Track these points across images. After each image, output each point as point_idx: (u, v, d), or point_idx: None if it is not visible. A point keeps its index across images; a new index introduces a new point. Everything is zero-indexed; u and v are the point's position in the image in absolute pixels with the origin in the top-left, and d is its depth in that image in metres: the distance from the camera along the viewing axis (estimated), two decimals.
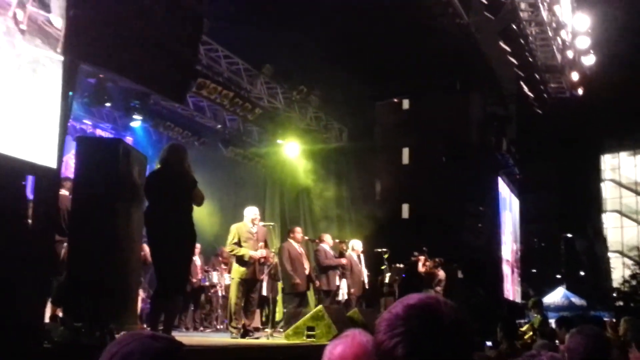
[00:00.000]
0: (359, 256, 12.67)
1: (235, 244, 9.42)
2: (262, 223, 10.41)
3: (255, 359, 7.19)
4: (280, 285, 11.35)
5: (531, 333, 10.83)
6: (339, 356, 2.17)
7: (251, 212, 9.86)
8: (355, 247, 12.68)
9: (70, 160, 9.94)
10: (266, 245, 9.82)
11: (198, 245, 11.98)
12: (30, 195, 5.67)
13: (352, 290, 12.26)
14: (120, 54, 6.44)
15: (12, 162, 4.85)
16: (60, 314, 7.53)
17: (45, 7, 5.33)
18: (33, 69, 5.17)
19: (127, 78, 7.87)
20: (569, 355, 3.54)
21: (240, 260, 9.41)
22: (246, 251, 9.35)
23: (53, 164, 5.38)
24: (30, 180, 5.58)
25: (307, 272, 11.33)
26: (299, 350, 7.96)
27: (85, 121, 13.50)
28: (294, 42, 13.14)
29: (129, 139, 13.09)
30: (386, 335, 1.48)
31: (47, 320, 6.82)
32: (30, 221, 5.37)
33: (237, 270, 9.44)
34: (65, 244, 7.45)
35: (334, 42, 13.92)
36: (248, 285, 9.52)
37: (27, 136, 5.14)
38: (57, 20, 5.43)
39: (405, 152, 17.60)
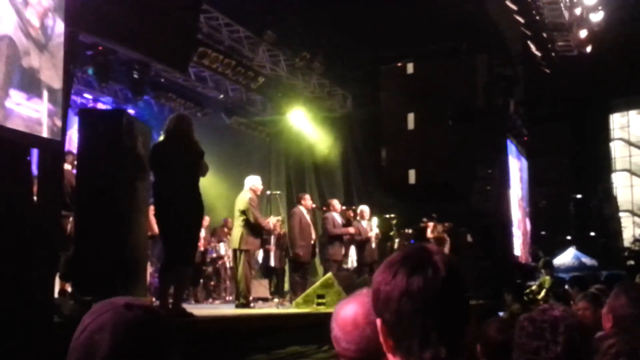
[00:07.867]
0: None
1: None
2: (268, 192, 10.33)
3: (268, 327, 7.21)
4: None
5: (543, 294, 10.77)
6: (352, 315, 2.10)
7: (257, 182, 9.79)
8: (364, 213, 12.60)
9: (72, 135, 9.87)
10: None
11: (207, 218, 11.95)
12: (34, 170, 5.59)
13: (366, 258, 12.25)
14: (121, 23, 6.31)
15: (16, 136, 4.74)
16: (69, 289, 7.52)
17: None
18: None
19: (129, 48, 7.73)
20: (612, 317, 3.31)
21: (255, 231, 9.38)
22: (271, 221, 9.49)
23: (57, 137, 5.28)
24: (34, 156, 5.49)
25: (312, 241, 11.25)
26: (310, 318, 7.98)
27: (85, 95, 13.36)
28: (295, 7, 12.90)
29: (130, 112, 12.96)
30: (379, 277, 1.49)
31: (55, 295, 6.80)
32: (36, 197, 5.31)
33: (251, 241, 9.40)
34: (70, 219, 7.41)
35: (336, 7, 13.67)
36: (253, 255, 9.61)
37: (29, 109, 5.02)
38: None
39: (411, 117, 17.42)
